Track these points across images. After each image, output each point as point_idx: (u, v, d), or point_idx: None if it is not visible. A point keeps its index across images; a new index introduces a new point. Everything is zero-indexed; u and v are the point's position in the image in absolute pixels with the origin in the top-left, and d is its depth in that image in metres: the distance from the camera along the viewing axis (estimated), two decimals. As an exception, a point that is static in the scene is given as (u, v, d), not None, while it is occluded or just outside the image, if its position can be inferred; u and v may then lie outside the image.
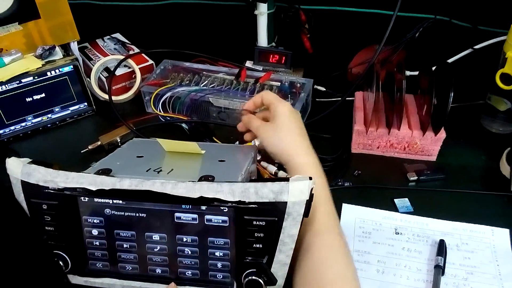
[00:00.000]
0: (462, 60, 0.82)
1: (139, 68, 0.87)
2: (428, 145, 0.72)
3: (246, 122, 0.61)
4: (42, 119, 0.83)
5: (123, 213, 0.46)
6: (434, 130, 0.70)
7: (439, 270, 0.57)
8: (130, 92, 0.88)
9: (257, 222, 0.44)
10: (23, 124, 0.81)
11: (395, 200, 0.67)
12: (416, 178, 0.70)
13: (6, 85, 0.75)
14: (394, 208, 0.66)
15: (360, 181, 0.71)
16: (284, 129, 0.56)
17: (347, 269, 0.46)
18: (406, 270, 0.58)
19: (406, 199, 0.67)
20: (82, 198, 0.46)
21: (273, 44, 0.94)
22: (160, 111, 0.82)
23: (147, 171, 0.51)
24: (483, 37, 0.80)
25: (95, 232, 0.48)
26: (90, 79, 0.86)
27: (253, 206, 0.44)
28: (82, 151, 0.76)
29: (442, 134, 0.70)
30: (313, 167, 0.53)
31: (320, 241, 0.48)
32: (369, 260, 0.59)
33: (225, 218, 0.45)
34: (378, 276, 0.58)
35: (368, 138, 0.74)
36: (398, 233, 0.63)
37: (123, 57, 0.88)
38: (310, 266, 0.46)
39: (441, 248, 0.59)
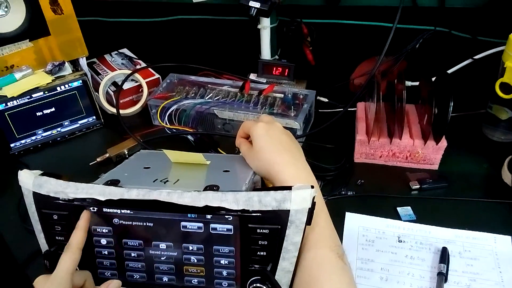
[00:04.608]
0: (462, 70, 0.83)
1: (146, 82, 0.89)
2: (430, 154, 0.73)
3: (237, 146, 0.61)
4: (52, 133, 0.85)
5: (130, 222, 0.47)
6: (435, 139, 0.71)
7: (442, 277, 0.57)
8: (137, 106, 0.90)
9: (261, 230, 0.45)
10: (33, 137, 0.83)
11: (397, 208, 0.68)
12: (418, 186, 0.71)
13: (17, 100, 0.78)
14: (397, 217, 0.67)
15: (363, 190, 0.72)
16: (260, 150, 0.55)
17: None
18: (409, 277, 0.59)
19: (409, 207, 0.68)
20: (91, 208, 0.48)
21: (276, 57, 0.95)
22: (166, 124, 0.84)
23: (154, 181, 0.52)
24: (483, 48, 0.81)
25: (103, 241, 0.49)
26: (98, 93, 0.88)
27: (257, 214, 0.45)
28: (90, 164, 0.78)
29: (443, 143, 0.71)
30: (297, 180, 0.52)
31: (312, 257, 0.48)
32: (373, 268, 0.60)
33: (230, 226, 0.46)
34: (382, 283, 0.58)
35: (370, 148, 0.75)
36: (401, 241, 0.63)
37: (130, 71, 0.90)
38: (303, 282, 0.47)
39: (444, 256, 0.60)
